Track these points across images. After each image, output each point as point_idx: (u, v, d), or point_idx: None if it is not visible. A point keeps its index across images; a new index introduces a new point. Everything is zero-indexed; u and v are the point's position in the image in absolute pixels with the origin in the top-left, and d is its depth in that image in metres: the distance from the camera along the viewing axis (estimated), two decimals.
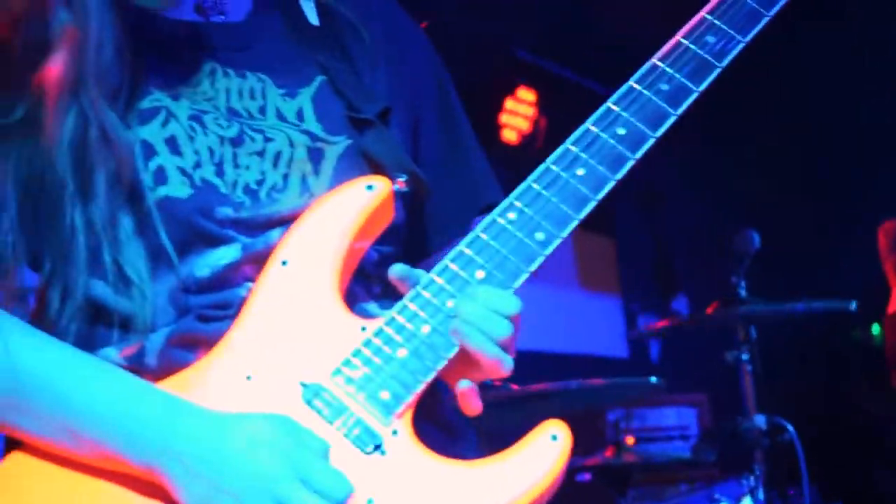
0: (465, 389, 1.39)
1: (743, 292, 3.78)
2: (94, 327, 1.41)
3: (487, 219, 1.44)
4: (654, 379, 3.58)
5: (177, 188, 1.43)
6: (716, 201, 6.97)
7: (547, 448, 1.31)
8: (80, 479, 1.31)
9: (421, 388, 1.36)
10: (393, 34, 1.68)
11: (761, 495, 3.46)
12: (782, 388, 3.92)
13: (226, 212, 1.44)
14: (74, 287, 1.38)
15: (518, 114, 6.00)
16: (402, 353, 1.36)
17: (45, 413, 1.31)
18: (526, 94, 6.04)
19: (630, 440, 4.28)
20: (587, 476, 4.70)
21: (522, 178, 1.53)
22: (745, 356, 3.75)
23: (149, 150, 1.43)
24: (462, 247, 1.42)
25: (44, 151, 1.39)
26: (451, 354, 1.37)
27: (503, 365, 1.38)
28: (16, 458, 1.33)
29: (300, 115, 1.54)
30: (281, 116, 1.52)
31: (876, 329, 7.91)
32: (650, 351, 7.03)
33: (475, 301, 1.38)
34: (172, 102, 1.47)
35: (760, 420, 3.68)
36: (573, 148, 1.46)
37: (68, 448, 1.30)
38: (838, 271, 6.74)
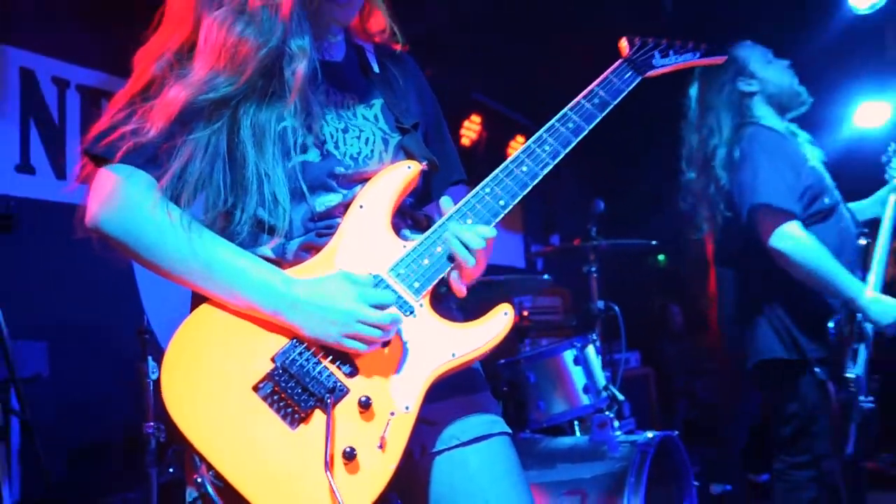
0: (454, 280, 1.43)
1: (593, 233, 3.80)
2: (255, 231, 1.41)
3: (476, 190, 1.47)
4: (546, 276, 3.65)
5: (312, 156, 1.43)
6: (580, 180, 7.05)
7: (502, 318, 1.38)
8: (239, 319, 1.34)
9: (435, 282, 1.40)
10: (417, 81, 1.67)
11: (598, 343, 3.51)
12: (612, 286, 4.00)
13: (340, 170, 1.45)
14: (248, 208, 1.39)
15: (471, 129, 6.04)
16: (425, 262, 1.40)
17: (222, 282, 1.32)
18: (475, 118, 6.07)
19: (526, 313, 4.35)
20: None
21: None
22: (593, 268, 3.77)
23: (296, 132, 1.42)
24: (460, 205, 1.45)
25: (236, 122, 1.40)
26: (449, 266, 1.41)
27: (470, 263, 1.40)
28: (206, 307, 1.35)
29: (376, 118, 1.54)
30: (366, 118, 1.52)
31: (661, 258, 8.08)
32: (537, 264, 7.14)
33: (464, 226, 1.42)
34: (311, 107, 1.45)
35: (600, 303, 3.72)
36: (521, 155, 1.50)
37: (231, 302, 1.33)
38: (649, 222, 6.84)
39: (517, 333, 4.16)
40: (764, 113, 2.89)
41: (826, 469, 2.62)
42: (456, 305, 1.58)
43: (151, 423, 2.81)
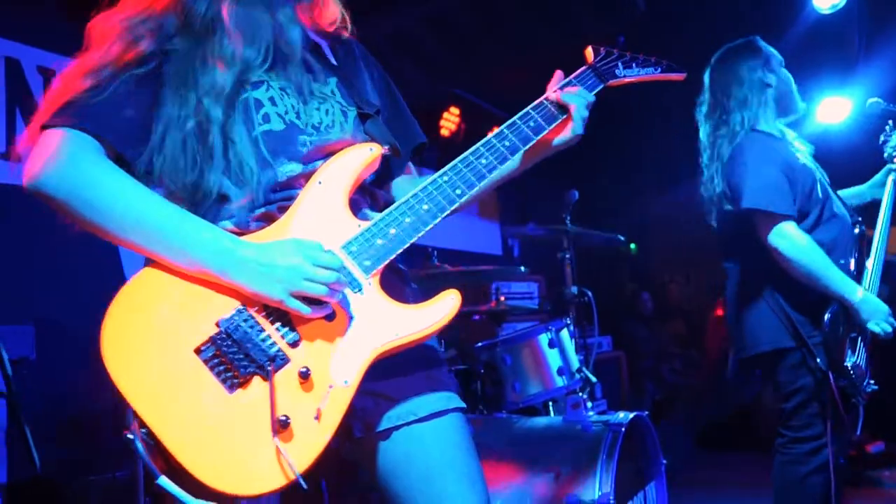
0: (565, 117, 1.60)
1: (568, 222, 3.80)
2: (217, 205, 1.38)
3: (434, 177, 1.46)
4: (523, 268, 3.64)
5: (276, 125, 1.42)
6: (552, 171, 7.04)
7: (448, 303, 1.37)
8: (186, 282, 1.29)
9: (385, 262, 1.38)
10: (367, 64, 1.66)
11: (572, 327, 3.53)
12: (586, 273, 4.00)
13: (303, 139, 1.43)
14: (214, 174, 1.36)
15: (450, 120, 6.03)
16: (378, 242, 1.38)
17: (174, 245, 1.27)
18: (454, 110, 6.05)
19: (503, 298, 4.34)
20: (478, 317, 4.75)
21: (451, 156, 1.57)
22: (567, 255, 3.77)
23: (259, 104, 1.42)
24: (416, 190, 1.44)
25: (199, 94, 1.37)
26: (403, 247, 1.39)
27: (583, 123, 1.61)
28: (149, 270, 1.30)
29: (333, 93, 1.53)
30: (322, 92, 1.51)
31: (633, 246, 8.14)
32: (514, 251, 7.16)
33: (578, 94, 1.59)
34: (269, 79, 1.45)
35: (574, 289, 3.73)
36: (481, 148, 1.50)
37: (180, 264, 1.28)
38: (619, 214, 6.88)
39: (494, 317, 4.17)
40: (769, 109, 2.89)
41: (824, 447, 2.64)
42: (415, 288, 1.56)
43: None
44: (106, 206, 1.28)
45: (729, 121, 2.87)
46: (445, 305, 1.38)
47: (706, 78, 3.01)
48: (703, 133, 2.99)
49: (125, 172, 1.32)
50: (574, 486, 2.66)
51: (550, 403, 3.54)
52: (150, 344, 1.25)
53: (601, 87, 1.69)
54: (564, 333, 3.37)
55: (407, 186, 1.64)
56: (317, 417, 1.25)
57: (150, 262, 1.32)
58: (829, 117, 4.75)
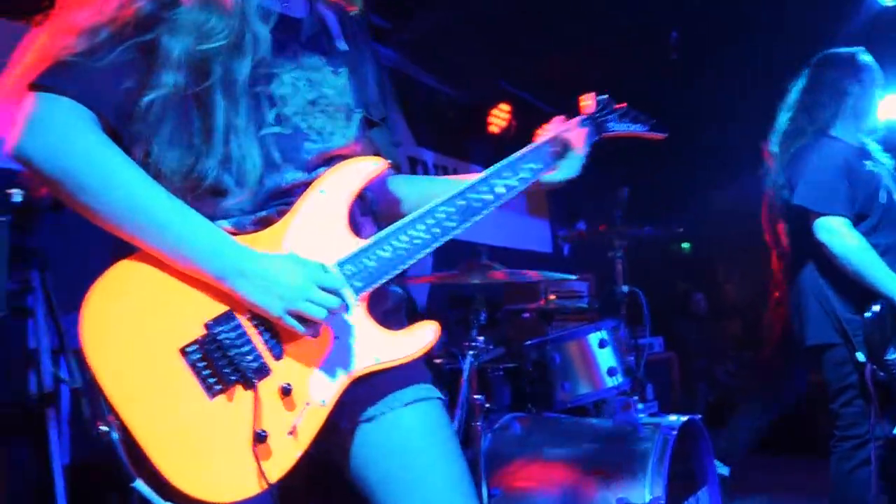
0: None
1: (619, 219, 3.73)
2: (213, 198, 1.29)
3: (432, 203, 1.40)
4: (574, 276, 3.60)
5: (285, 128, 1.34)
6: (602, 169, 6.97)
7: (428, 334, 1.36)
8: (171, 277, 1.24)
9: (375, 286, 1.35)
10: (372, 54, 1.57)
11: (623, 328, 3.47)
12: (638, 272, 3.93)
13: (308, 146, 1.37)
14: (210, 163, 1.26)
15: (500, 117, 5.97)
16: (371, 264, 1.35)
17: (171, 242, 1.21)
18: (504, 107, 6.01)
19: (552, 297, 4.30)
20: (528, 315, 4.72)
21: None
22: (618, 254, 3.70)
23: (271, 102, 1.34)
24: (415, 215, 1.39)
25: (209, 71, 1.26)
26: (395, 272, 1.36)
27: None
28: (131, 261, 1.24)
29: (344, 90, 1.44)
30: (333, 86, 1.42)
31: (686, 245, 8.00)
32: (563, 250, 7.09)
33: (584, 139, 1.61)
34: (283, 72, 1.36)
35: (625, 289, 3.66)
36: (482, 186, 1.45)
37: (175, 261, 1.22)
38: (672, 212, 6.75)
39: (544, 316, 4.13)
40: (846, 117, 2.96)
41: (870, 442, 2.70)
42: (401, 311, 1.51)
43: None
44: (101, 190, 1.20)
45: (803, 120, 2.98)
46: (424, 336, 1.37)
47: (801, 78, 3.09)
48: (779, 129, 3.06)
49: (125, 154, 1.23)
50: (624, 488, 2.62)
51: (600, 404, 3.51)
52: (132, 336, 1.21)
53: (596, 138, 1.69)
54: (615, 333, 3.32)
55: (397, 181, 1.63)
56: (292, 433, 1.25)
57: (125, 247, 1.26)
58: (892, 114, 4.58)
